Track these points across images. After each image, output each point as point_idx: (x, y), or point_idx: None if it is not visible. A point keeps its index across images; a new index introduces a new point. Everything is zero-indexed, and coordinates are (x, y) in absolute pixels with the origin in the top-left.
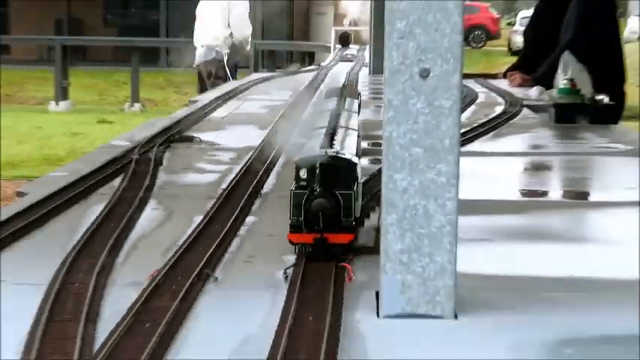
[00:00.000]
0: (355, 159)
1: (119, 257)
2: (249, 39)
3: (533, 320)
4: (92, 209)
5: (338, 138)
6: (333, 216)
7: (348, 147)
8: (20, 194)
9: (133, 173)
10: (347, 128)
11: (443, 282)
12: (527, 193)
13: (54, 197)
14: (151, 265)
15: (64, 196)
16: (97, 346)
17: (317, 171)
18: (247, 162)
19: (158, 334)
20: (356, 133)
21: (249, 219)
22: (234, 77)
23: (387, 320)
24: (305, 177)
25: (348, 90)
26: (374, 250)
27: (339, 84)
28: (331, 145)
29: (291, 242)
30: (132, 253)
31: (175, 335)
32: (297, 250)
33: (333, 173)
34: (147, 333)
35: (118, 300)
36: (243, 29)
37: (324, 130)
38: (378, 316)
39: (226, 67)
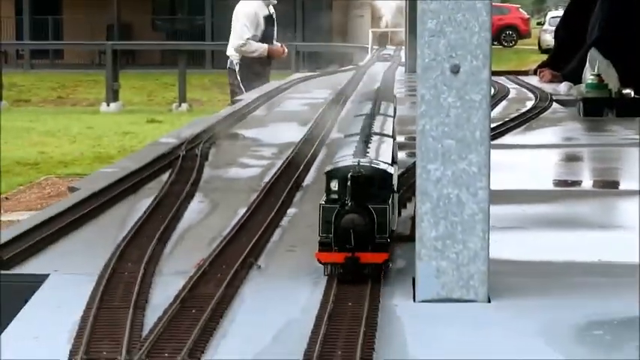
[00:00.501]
0: (390, 168)
1: (167, 248)
2: (245, 46)
3: (563, 304)
4: (141, 203)
5: (372, 145)
6: (366, 233)
7: (382, 155)
8: (72, 189)
9: (180, 168)
10: (381, 134)
11: (476, 267)
12: (558, 183)
13: (104, 192)
14: (197, 254)
15: (114, 191)
16: (145, 331)
17: (348, 183)
18: (288, 157)
19: (204, 320)
20: (391, 139)
21: (291, 210)
22: (248, 88)
23: (423, 305)
24: (336, 189)
25: (383, 93)
26: (410, 237)
27: (374, 87)
28: (365, 154)
29: (319, 262)
30: (179, 244)
31: (220, 321)
32: (326, 271)
33: (366, 185)
34: (193, 318)
35: (166, 288)
36: (235, 38)
37: (357, 138)
38: (414, 300)
39: (238, 77)
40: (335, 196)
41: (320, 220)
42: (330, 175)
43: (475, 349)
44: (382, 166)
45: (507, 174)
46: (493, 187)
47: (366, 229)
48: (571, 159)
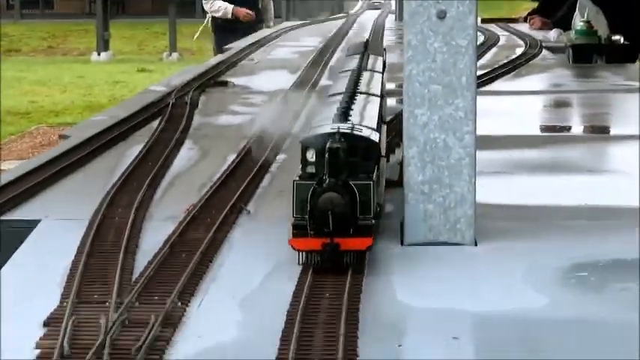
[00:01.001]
0: (375, 135)
1: (157, 194)
2: (208, 3)
3: (549, 247)
4: (131, 150)
5: (356, 107)
6: (347, 215)
7: (367, 117)
8: (63, 137)
9: (170, 116)
10: (368, 94)
11: (463, 211)
12: (546, 128)
13: (95, 139)
14: (187, 200)
15: (105, 139)
16: (135, 275)
17: (326, 155)
18: (278, 104)
19: (193, 264)
20: (378, 98)
21: (280, 156)
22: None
23: (411, 247)
24: (313, 160)
25: (372, 46)
26: (398, 183)
27: (363, 37)
28: (346, 118)
29: (293, 248)
30: (169, 190)
31: (210, 265)
32: (300, 259)
33: (347, 157)
34: (183, 263)
35: (156, 233)
36: None
37: (339, 98)
38: (402, 244)
39: (212, 41)
40: (312, 170)
41: (293, 198)
42: (306, 145)
43: (462, 291)
44: (365, 132)
45: (496, 120)
46: (481, 132)
47: (347, 210)
48: (560, 105)
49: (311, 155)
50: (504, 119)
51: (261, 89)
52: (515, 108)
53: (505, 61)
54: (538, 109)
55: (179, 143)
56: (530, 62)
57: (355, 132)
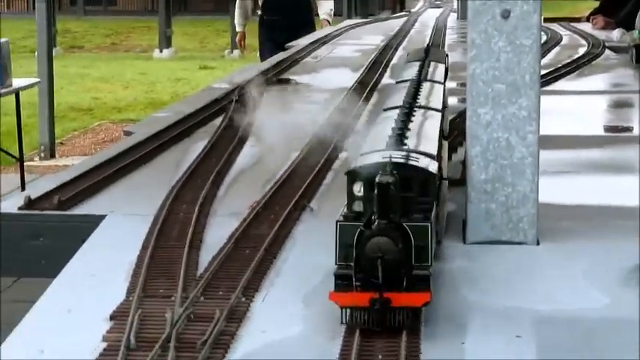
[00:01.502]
0: (434, 165)
1: (220, 190)
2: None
3: (611, 247)
4: (195, 146)
5: (413, 127)
6: (400, 264)
7: (426, 140)
8: (127, 133)
9: (233, 113)
10: (427, 108)
11: (525, 210)
12: (608, 128)
13: (159, 135)
14: (251, 196)
15: (169, 135)
16: (200, 270)
17: (375, 191)
18: (340, 104)
19: (257, 259)
20: (439, 114)
21: (343, 155)
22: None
23: (473, 246)
24: (361, 194)
25: (434, 51)
26: (460, 181)
27: (424, 39)
28: (402, 141)
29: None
30: (232, 186)
31: (274, 260)
32: (344, 318)
33: (401, 192)
34: (247, 258)
35: (220, 228)
36: None
37: (395, 114)
38: (464, 242)
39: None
40: (359, 208)
41: (336, 243)
42: (353, 177)
43: (524, 289)
44: (423, 162)
45: (558, 119)
46: (544, 132)
47: (399, 258)
48: (622, 105)
49: (358, 189)
50: (566, 119)
51: (323, 87)
52: (578, 108)
53: (568, 61)
54: (600, 109)
55: (242, 140)
56: (593, 62)
57: (411, 161)
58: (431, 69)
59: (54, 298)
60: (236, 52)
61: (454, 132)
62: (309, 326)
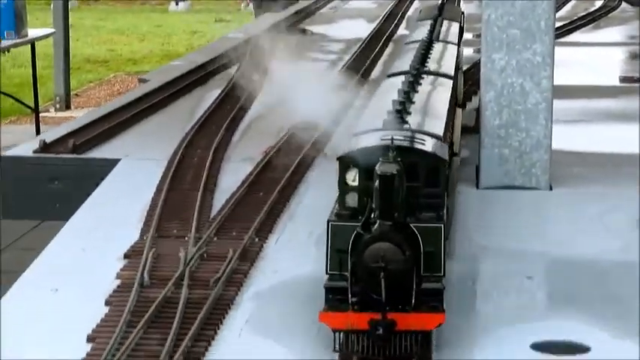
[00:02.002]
0: (444, 149)
1: (235, 136)
2: None
3: (623, 193)
4: (210, 94)
5: (419, 98)
6: (406, 276)
7: (433, 117)
8: (142, 80)
9: (248, 63)
10: (438, 74)
11: (538, 155)
12: (623, 79)
13: (174, 83)
14: (264, 142)
15: (184, 82)
16: (214, 212)
17: (376, 184)
18: (356, 52)
19: (271, 202)
20: (451, 82)
21: (357, 102)
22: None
23: (486, 191)
24: (356, 184)
25: (448, 9)
26: (475, 129)
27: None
28: (404, 118)
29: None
30: (246, 133)
31: (287, 203)
32: (337, 342)
33: (406, 182)
34: (260, 201)
35: (234, 173)
36: None
37: (399, 83)
38: (477, 187)
39: None
40: (353, 203)
41: (327, 246)
42: (346, 163)
43: (536, 233)
44: (429, 145)
45: (573, 70)
46: (559, 82)
47: (406, 269)
48: (636, 57)
49: (353, 177)
50: (581, 69)
51: (338, 37)
52: (593, 59)
53: (583, 14)
54: (615, 61)
55: (257, 89)
56: (609, 15)
57: (416, 144)
58: (444, 28)
59: (68, 238)
60: (252, 4)
61: (468, 82)
62: (320, 267)
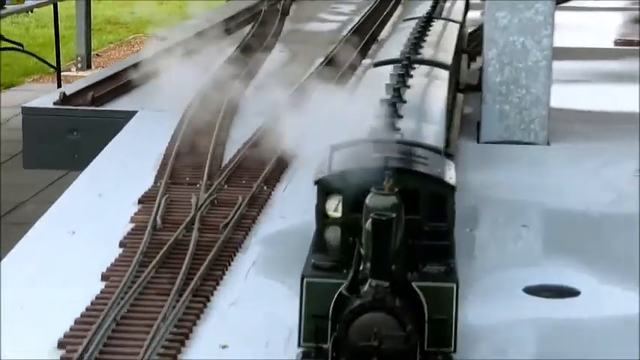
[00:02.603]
0: (451, 169)
1: (248, 89)
2: None
3: (618, 149)
4: (224, 51)
5: (411, 100)
6: (408, 357)
7: (431, 123)
8: (160, 39)
9: (262, 22)
10: (433, 64)
11: (538, 112)
12: (622, 42)
13: (189, 41)
14: (276, 97)
15: (199, 40)
16: (225, 161)
17: (366, 225)
18: (366, 13)
19: (280, 153)
20: (447, 73)
21: (366, 61)
22: None
23: (486, 146)
24: (338, 216)
25: None
26: (477, 87)
27: None
28: (395, 126)
29: None
30: (259, 87)
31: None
32: None
33: (405, 215)
34: (270, 152)
35: (245, 125)
36: None
37: (389, 74)
38: (478, 142)
39: None
40: (335, 242)
41: (301, 309)
42: (326, 189)
43: (533, 185)
44: (433, 164)
45: (576, 33)
46: (560, 44)
47: (409, 349)
48: (636, 21)
49: (334, 207)
50: (582, 32)
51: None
52: (594, 22)
53: None
54: (615, 25)
55: (270, 46)
56: None
57: (416, 165)
58: (448, 4)
59: (85, 184)
60: None
61: (472, 43)
62: None
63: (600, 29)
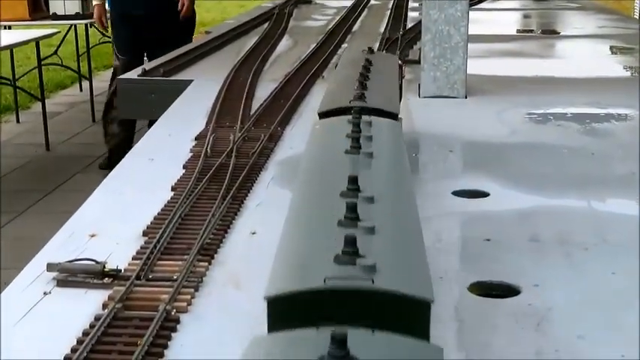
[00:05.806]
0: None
1: (266, 65)
2: None
3: (516, 100)
4: (250, 40)
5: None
6: None
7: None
8: (208, 32)
9: (275, 21)
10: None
11: (459, 76)
12: (519, 31)
13: (228, 33)
14: (285, 69)
15: (234, 33)
16: (252, 111)
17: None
18: (343, 14)
19: (289, 105)
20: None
21: (344, 45)
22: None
23: (425, 99)
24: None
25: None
26: (417, 61)
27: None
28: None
29: None
30: (274, 63)
31: (299, 107)
32: None
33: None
34: (282, 105)
35: (266, 88)
36: None
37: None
38: (419, 96)
39: None
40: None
41: None
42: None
43: (456, 124)
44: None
45: (483, 25)
46: (475, 32)
47: None
48: (527, 17)
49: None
50: (489, 25)
51: (333, 5)
52: (496, 18)
53: None
54: (513, 20)
55: (280, 37)
56: None
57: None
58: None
59: (160, 128)
60: None
61: (411, 33)
62: None
63: (499, 22)
